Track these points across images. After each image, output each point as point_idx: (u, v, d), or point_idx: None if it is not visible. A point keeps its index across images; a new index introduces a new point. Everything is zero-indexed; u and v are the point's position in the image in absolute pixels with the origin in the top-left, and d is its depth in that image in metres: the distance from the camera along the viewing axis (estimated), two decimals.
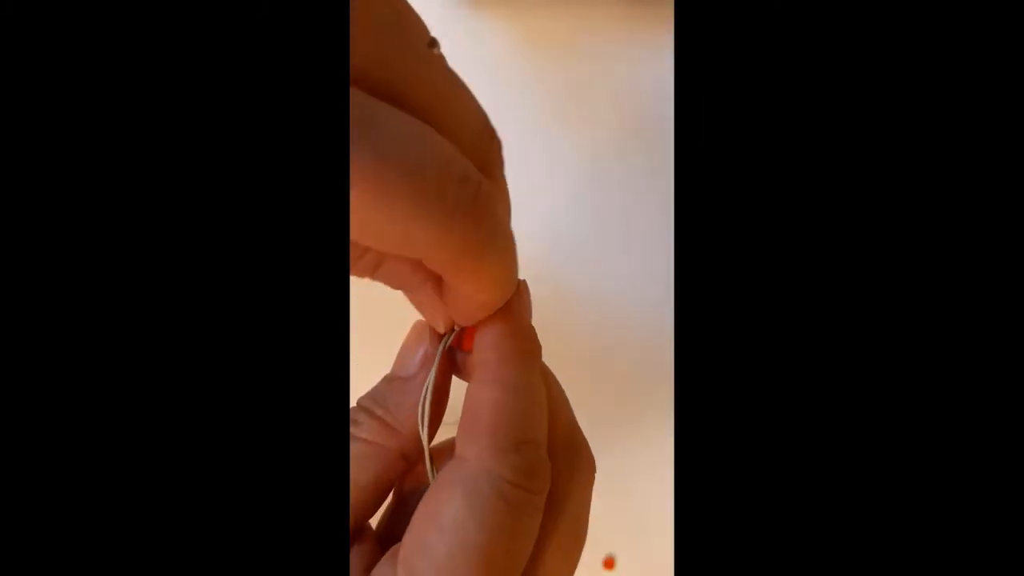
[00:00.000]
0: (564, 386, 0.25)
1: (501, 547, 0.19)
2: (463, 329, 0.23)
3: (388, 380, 0.24)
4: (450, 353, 0.24)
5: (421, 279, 0.22)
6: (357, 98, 0.17)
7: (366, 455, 0.22)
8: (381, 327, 0.31)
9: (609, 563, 0.40)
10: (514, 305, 0.23)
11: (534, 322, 0.23)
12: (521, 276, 0.24)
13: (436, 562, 0.19)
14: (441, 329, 0.23)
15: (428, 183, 0.17)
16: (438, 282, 0.22)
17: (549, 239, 0.40)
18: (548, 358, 0.24)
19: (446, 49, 0.23)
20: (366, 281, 0.23)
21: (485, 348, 0.22)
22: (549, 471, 0.21)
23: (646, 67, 0.42)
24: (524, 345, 0.22)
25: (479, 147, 0.19)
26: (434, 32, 0.20)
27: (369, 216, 0.17)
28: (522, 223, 0.28)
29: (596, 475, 0.24)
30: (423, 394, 0.23)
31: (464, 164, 0.18)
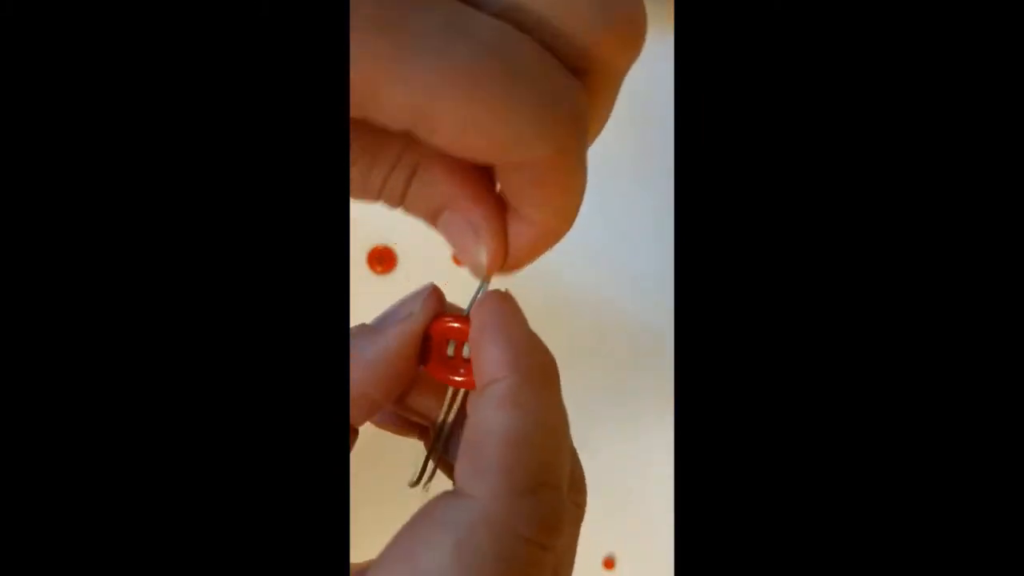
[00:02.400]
0: (564, 387, 0.24)
1: (550, 409, 0.16)
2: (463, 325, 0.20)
3: (360, 327, 0.20)
4: (439, 345, 0.20)
5: (469, 197, 0.19)
6: (449, 3, 0.15)
7: None
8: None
9: (609, 563, 0.40)
10: (519, 315, 0.20)
11: (534, 322, 0.23)
12: (521, 276, 0.24)
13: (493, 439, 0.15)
14: (483, 259, 0.19)
15: (524, 84, 0.15)
16: (489, 204, 0.19)
17: None
18: None
19: None
20: (365, 279, 0.23)
21: (495, 363, 0.18)
22: (567, 522, 0.17)
23: (646, 67, 0.42)
24: (543, 359, 0.18)
25: (581, 50, 0.17)
26: None
27: (461, 113, 0.15)
28: None
29: (596, 475, 0.23)
30: (446, 407, 0.19)
31: (561, 71, 0.16)
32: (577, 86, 0.17)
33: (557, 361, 0.20)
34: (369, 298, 0.38)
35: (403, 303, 0.19)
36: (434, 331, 0.19)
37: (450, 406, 0.20)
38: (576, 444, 0.21)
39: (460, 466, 0.17)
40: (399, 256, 0.38)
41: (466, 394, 0.20)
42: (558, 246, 0.22)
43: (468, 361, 0.19)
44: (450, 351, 0.19)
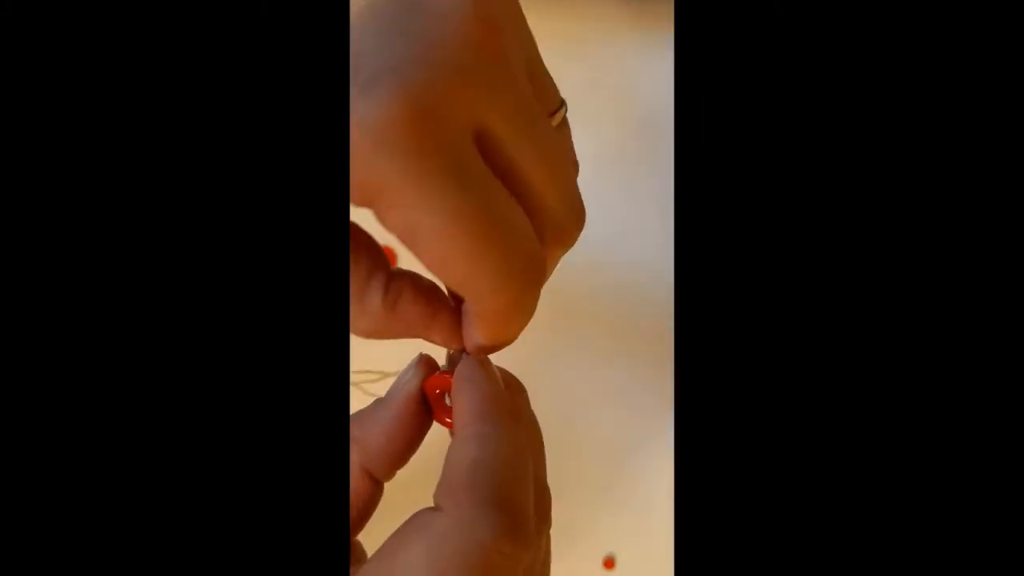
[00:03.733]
0: (564, 388, 0.25)
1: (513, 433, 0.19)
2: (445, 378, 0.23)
3: (374, 401, 0.24)
4: (438, 398, 0.24)
5: (443, 313, 0.23)
6: (476, 160, 0.19)
7: None
8: None
9: (609, 563, 0.40)
10: (490, 373, 0.23)
11: (533, 322, 0.23)
12: None
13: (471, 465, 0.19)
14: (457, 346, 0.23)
15: (499, 256, 0.19)
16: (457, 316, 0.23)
17: None
18: (550, 358, 0.24)
19: None
20: None
21: (467, 414, 0.21)
22: (533, 539, 0.20)
23: (646, 67, 0.42)
24: (507, 409, 0.22)
25: (562, 222, 0.22)
26: None
27: (437, 253, 0.19)
28: None
29: (596, 475, 0.24)
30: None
31: (531, 239, 0.20)
32: (540, 259, 0.20)
33: (558, 362, 0.21)
34: None
35: (402, 375, 0.23)
36: (427, 387, 0.23)
37: None
38: (576, 443, 0.22)
39: (437, 489, 0.20)
40: (399, 256, 0.38)
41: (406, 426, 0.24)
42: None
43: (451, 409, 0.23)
44: (447, 400, 0.23)
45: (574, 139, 0.26)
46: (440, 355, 0.25)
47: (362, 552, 0.23)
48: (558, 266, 0.29)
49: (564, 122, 0.24)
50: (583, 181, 0.25)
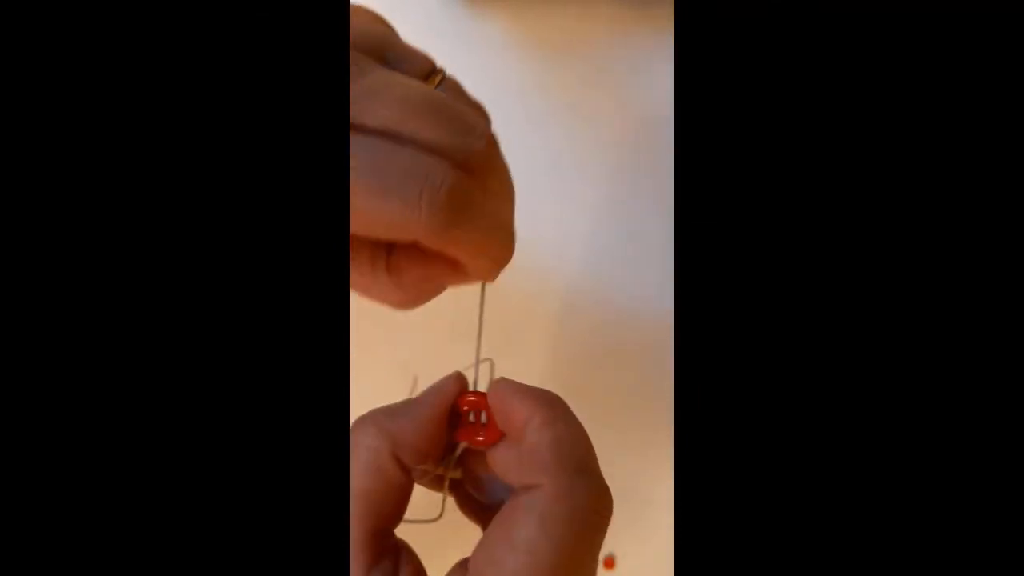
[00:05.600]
0: (564, 388, 0.25)
1: (571, 566, 0.21)
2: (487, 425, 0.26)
3: (405, 400, 0.26)
4: (464, 415, 0.26)
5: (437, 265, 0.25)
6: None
7: (367, 462, 0.23)
8: (381, 328, 0.31)
9: (609, 563, 0.40)
10: (522, 383, 0.25)
11: (531, 319, 0.23)
12: (520, 274, 0.24)
13: None
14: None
15: (395, 193, 0.21)
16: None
17: (549, 238, 0.40)
18: (549, 357, 0.24)
19: (447, 50, 0.23)
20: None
21: (525, 407, 0.23)
22: (611, 499, 0.22)
23: (646, 67, 0.42)
24: (554, 398, 0.24)
25: (457, 150, 0.23)
26: (434, 32, 0.20)
27: (361, 216, 0.21)
28: (522, 223, 0.28)
29: None
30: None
31: (428, 167, 0.22)
32: (442, 179, 0.22)
33: (558, 361, 0.22)
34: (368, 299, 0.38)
35: (438, 383, 0.26)
36: (461, 404, 0.26)
37: (453, 460, 0.27)
38: None
39: (522, 471, 0.23)
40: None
41: (464, 452, 0.27)
42: (558, 246, 0.23)
43: (485, 426, 0.26)
44: (471, 418, 0.26)
45: (574, 139, 0.26)
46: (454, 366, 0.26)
47: (403, 545, 0.24)
48: (557, 266, 0.29)
49: (453, 87, 0.25)
50: (583, 180, 0.25)
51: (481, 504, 0.28)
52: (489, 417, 0.25)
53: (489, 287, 0.27)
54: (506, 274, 0.27)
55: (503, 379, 0.25)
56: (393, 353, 0.27)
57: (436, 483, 0.27)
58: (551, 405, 0.23)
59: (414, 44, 0.25)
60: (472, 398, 0.26)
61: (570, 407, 0.25)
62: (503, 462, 0.24)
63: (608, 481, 0.25)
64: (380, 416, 0.24)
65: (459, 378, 0.26)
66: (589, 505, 0.21)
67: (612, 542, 0.25)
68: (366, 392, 0.25)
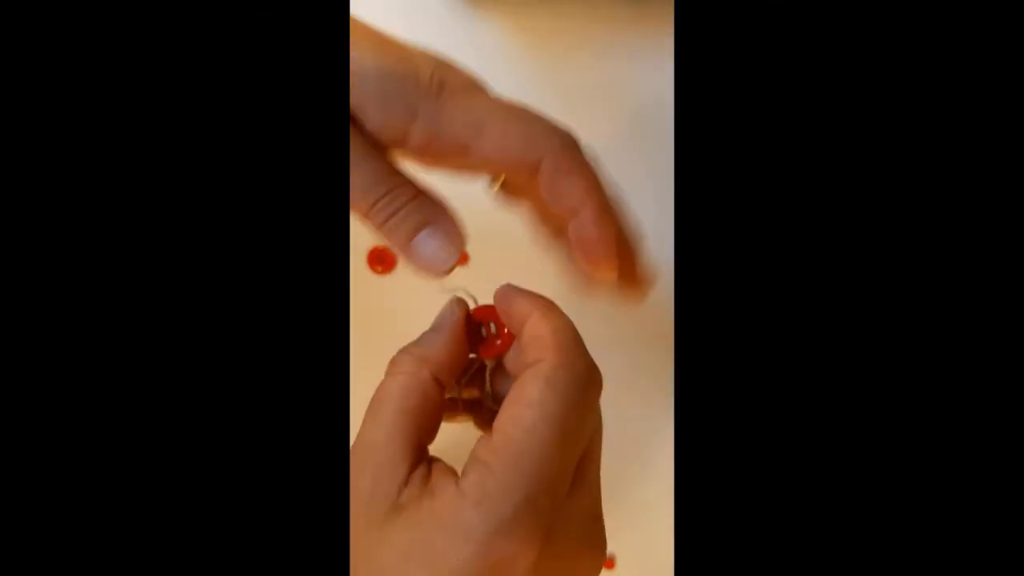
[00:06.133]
0: None
1: (575, 418, 0.24)
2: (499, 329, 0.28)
3: (424, 334, 0.29)
4: (475, 330, 0.28)
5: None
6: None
7: (407, 385, 0.26)
8: (380, 330, 0.31)
9: (609, 563, 0.40)
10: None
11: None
12: (520, 273, 0.24)
13: (524, 428, 0.23)
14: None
15: (523, 124, 0.27)
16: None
17: None
18: None
19: (449, 50, 0.23)
20: (365, 279, 0.23)
21: (519, 302, 0.27)
22: (602, 377, 0.26)
23: (646, 67, 0.42)
24: (537, 295, 0.27)
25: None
26: (436, 32, 0.20)
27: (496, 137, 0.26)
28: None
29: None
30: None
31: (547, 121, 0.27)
32: (560, 128, 0.27)
33: None
34: (369, 298, 0.38)
35: (444, 309, 0.28)
36: (475, 315, 0.28)
37: (468, 375, 0.29)
38: None
39: (527, 355, 0.26)
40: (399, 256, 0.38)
41: (492, 368, 0.29)
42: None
43: (496, 334, 0.28)
44: (483, 333, 0.29)
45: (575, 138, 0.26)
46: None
47: (434, 457, 0.26)
48: (556, 266, 0.29)
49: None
50: None
51: None
52: (499, 324, 0.28)
53: (488, 281, 0.28)
54: (506, 273, 0.27)
55: (507, 284, 0.28)
56: (393, 353, 0.27)
57: (453, 407, 0.30)
58: (549, 303, 0.27)
59: (416, 44, 0.25)
60: (483, 311, 0.28)
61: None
62: (512, 359, 0.28)
63: (608, 480, 0.25)
64: (411, 347, 0.27)
65: (460, 300, 0.28)
66: (587, 375, 0.25)
67: (612, 542, 0.25)
68: (366, 392, 0.25)
